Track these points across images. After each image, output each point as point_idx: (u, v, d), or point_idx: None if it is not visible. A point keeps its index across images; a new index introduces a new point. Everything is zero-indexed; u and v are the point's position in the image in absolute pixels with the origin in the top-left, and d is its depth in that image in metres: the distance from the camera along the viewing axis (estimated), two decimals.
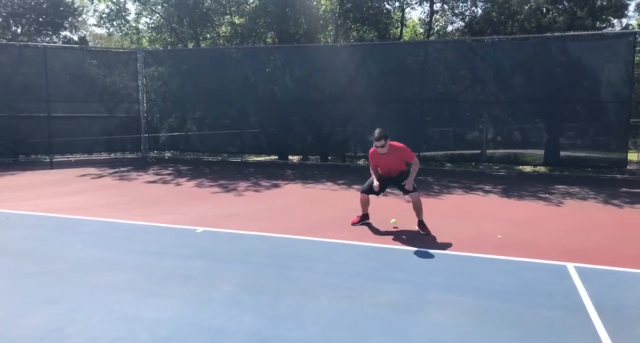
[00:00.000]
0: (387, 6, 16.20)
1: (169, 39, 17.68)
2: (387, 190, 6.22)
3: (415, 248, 4.98)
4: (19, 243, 5.18)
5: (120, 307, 3.50)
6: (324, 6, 15.81)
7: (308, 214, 6.52)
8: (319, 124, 12.14)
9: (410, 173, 5.61)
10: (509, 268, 4.44)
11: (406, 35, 18.90)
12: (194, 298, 3.68)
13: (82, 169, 10.98)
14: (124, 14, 17.58)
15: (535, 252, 4.87)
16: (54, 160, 12.32)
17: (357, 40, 16.26)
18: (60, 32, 18.39)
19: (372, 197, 5.89)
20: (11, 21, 17.39)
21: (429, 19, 16.61)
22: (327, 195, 8.16)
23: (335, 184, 8.84)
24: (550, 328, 3.23)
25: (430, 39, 15.78)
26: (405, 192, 5.65)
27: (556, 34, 10.97)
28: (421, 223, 5.64)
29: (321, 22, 15.84)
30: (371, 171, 5.86)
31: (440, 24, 17.42)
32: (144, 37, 18.36)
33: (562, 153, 10.71)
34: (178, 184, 9.19)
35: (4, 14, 17.05)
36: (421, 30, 19.20)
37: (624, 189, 8.70)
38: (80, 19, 20.24)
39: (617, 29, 15.25)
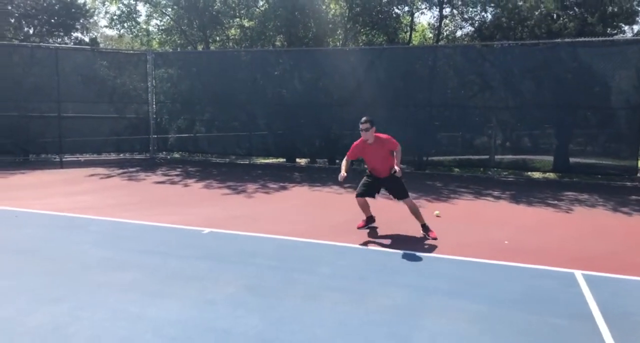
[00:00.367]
0: (397, 10, 16.19)
1: (178, 41, 17.78)
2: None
3: (421, 253, 4.96)
4: (27, 241, 5.22)
5: (125, 307, 3.51)
6: (333, 10, 15.84)
7: (314, 217, 6.51)
8: (327, 127, 12.14)
9: (396, 160, 5.53)
10: (515, 274, 4.40)
11: (415, 40, 18.87)
12: (199, 298, 3.68)
13: (91, 169, 11.06)
14: (134, 15, 17.70)
15: (543, 258, 4.82)
16: (63, 159, 12.42)
17: (366, 44, 16.26)
18: (72, 34, 18.58)
19: (373, 200, 5.87)
20: (23, 22, 17.59)
21: (438, 24, 16.58)
22: (334, 198, 8.15)
23: (342, 188, 8.82)
24: (557, 336, 3.19)
25: (439, 43, 15.75)
26: (398, 198, 5.63)
27: (567, 39, 10.91)
28: (425, 227, 5.62)
29: (330, 25, 15.85)
30: (344, 161, 5.68)
31: (450, 29, 17.37)
32: (154, 39, 18.48)
33: (572, 159, 10.62)
34: (186, 185, 9.23)
35: (17, 15, 17.26)
36: (430, 35, 19.16)
37: (634, 197, 8.61)
38: (91, 20, 20.43)
39: (629, 35, 15.13)
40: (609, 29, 13.91)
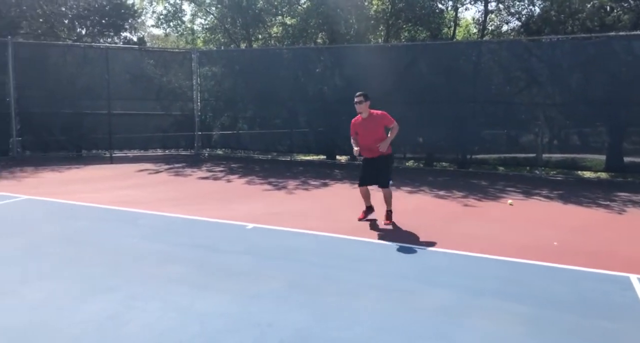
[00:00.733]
0: (440, 6, 15.90)
1: (222, 40, 18.12)
2: (393, 183, 6.27)
3: (467, 253, 4.88)
4: (82, 233, 5.47)
5: (175, 298, 3.64)
6: (375, 6, 15.72)
7: (356, 214, 6.50)
8: None
9: (388, 136, 5.80)
10: (565, 277, 4.26)
11: (459, 35, 18.48)
12: (243, 293, 3.77)
13: (139, 165, 11.45)
14: (180, 15, 18.19)
15: (595, 261, 4.65)
16: (113, 155, 12.93)
17: (409, 40, 16.06)
18: (121, 33, 19.22)
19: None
20: (76, 23, 18.32)
21: (483, 19, 16.17)
22: (374, 195, 8.11)
23: None
24: (608, 340, 3.08)
25: (484, 38, 15.36)
26: (378, 185, 5.87)
27: (621, 33, 10.41)
28: (388, 214, 5.92)
29: (372, 22, 15.74)
30: (352, 140, 6.04)
31: (495, 24, 16.91)
32: (199, 37, 18.91)
33: (626, 159, 10.14)
34: (229, 181, 9.42)
35: (70, 16, 18.00)
36: (475, 30, 18.71)
37: None
38: (139, 20, 21.08)
39: None
40: None
